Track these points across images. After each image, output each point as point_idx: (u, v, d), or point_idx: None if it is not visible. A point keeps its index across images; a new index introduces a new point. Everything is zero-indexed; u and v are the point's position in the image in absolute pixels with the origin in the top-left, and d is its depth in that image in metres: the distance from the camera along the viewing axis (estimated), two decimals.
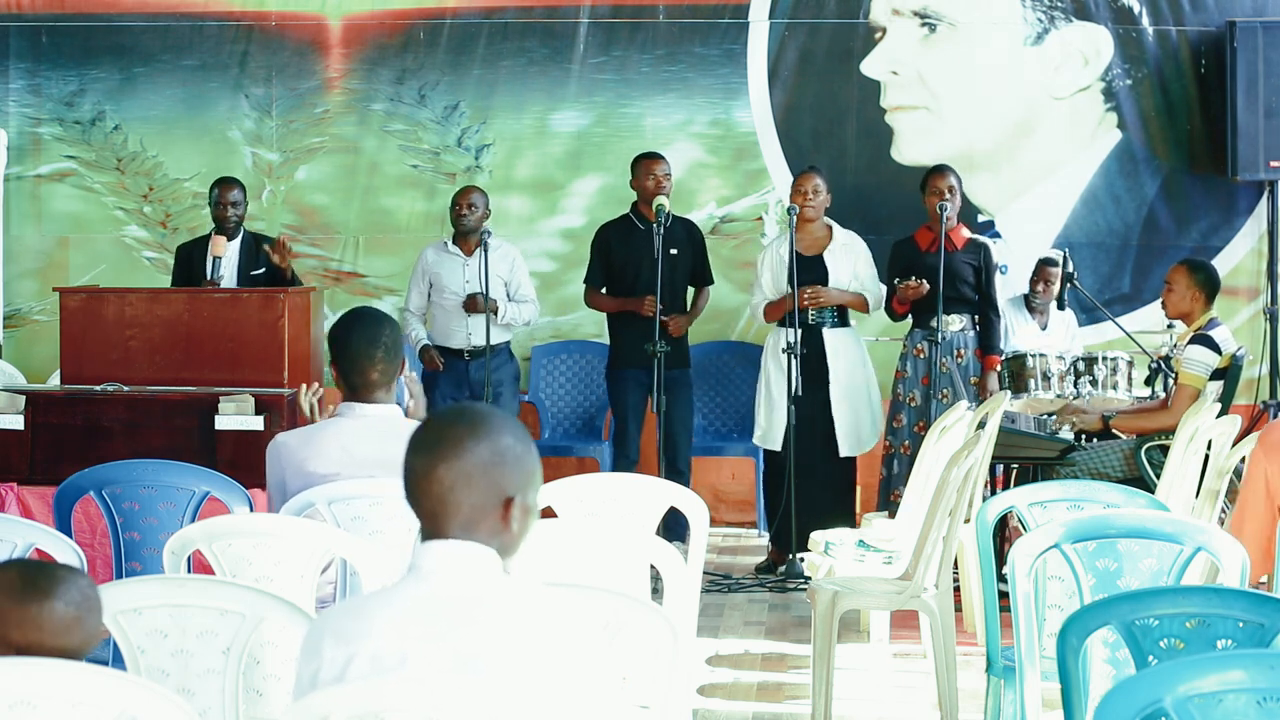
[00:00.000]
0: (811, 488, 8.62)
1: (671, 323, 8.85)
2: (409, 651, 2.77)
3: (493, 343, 8.98)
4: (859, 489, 9.42)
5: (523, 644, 2.78)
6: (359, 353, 4.85)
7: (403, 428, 4.76)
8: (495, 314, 8.96)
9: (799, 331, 8.64)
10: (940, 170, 8.81)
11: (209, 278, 8.43)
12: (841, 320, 8.86)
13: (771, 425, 8.80)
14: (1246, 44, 9.66)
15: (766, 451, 8.94)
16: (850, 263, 8.86)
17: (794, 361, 8.59)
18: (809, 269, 8.75)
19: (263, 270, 8.63)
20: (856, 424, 8.79)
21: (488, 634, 2.78)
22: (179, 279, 8.81)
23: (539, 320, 9.48)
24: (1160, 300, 8.02)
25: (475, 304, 8.93)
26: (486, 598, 2.81)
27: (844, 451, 8.75)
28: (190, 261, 8.76)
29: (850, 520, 8.64)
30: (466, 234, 9.06)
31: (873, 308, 8.92)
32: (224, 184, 8.86)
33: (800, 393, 8.62)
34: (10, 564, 3.04)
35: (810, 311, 8.73)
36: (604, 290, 9.13)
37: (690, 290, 9.16)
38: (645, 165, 9.02)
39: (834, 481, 8.77)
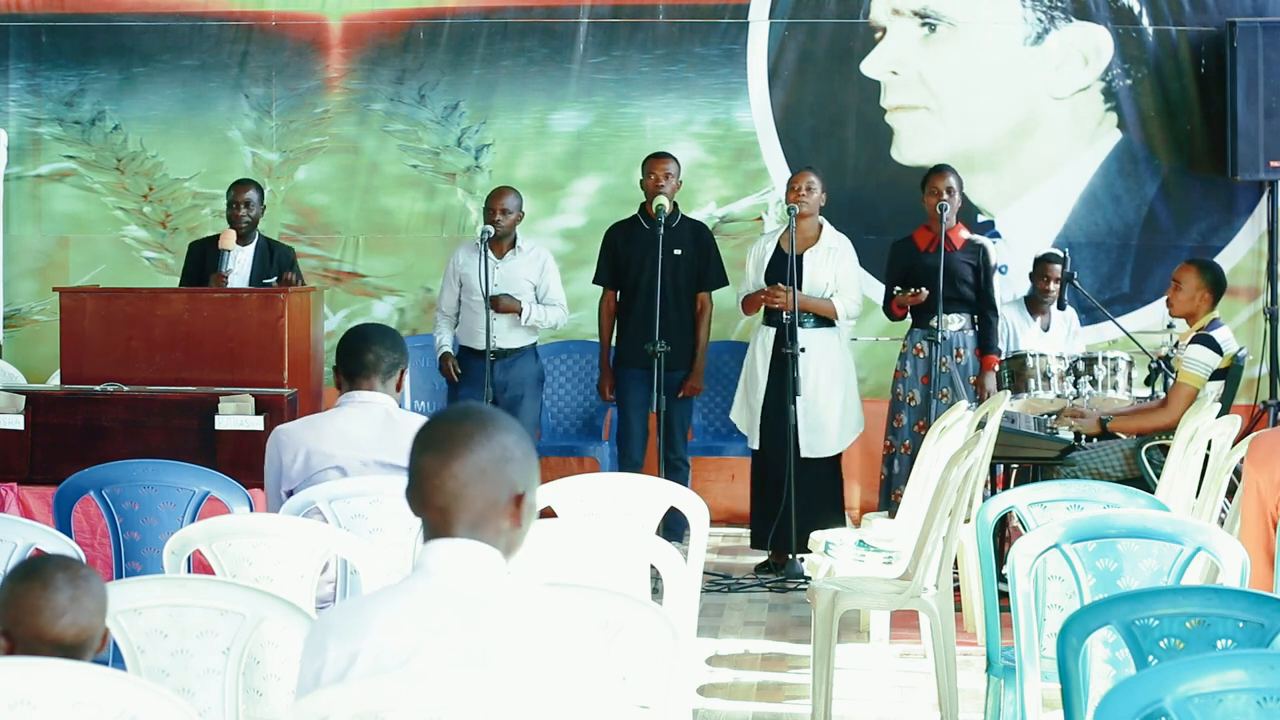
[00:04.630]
0: (788, 487, 8.60)
1: (687, 386, 9.04)
2: (413, 649, 2.78)
3: (517, 344, 8.99)
4: (857, 488, 9.43)
5: (525, 643, 2.78)
6: (353, 338, 5.17)
7: (400, 417, 5.01)
8: (518, 314, 8.94)
9: (772, 330, 8.69)
10: (940, 170, 8.80)
11: (219, 269, 8.47)
12: (822, 321, 8.81)
13: (749, 423, 8.83)
14: (1246, 44, 9.66)
15: (753, 450, 8.93)
16: (833, 266, 8.79)
17: (794, 363, 8.59)
18: (787, 268, 8.70)
19: (274, 279, 8.65)
20: (822, 426, 8.74)
21: (491, 633, 2.78)
22: (191, 276, 8.82)
23: (564, 322, 9.41)
24: (1165, 298, 8.02)
25: (499, 303, 8.91)
26: (491, 597, 2.82)
27: (803, 453, 8.67)
28: (203, 258, 8.78)
29: (838, 519, 8.62)
30: (500, 238, 8.98)
31: (845, 315, 8.82)
32: (239, 185, 8.93)
33: (764, 389, 8.66)
34: (38, 559, 3.05)
35: (784, 311, 8.70)
36: (614, 289, 9.14)
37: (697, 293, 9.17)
38: (648, 164, 9.04)
39: (813, 482, 8.71)
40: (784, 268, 8.68)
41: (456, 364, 9.10)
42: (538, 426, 9.28)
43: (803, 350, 8.63)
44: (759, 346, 8.81)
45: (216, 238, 8.76)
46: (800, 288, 8.68)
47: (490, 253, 8.97)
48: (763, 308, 8.80)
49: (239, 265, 8.70)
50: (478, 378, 9.02)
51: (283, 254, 8.92)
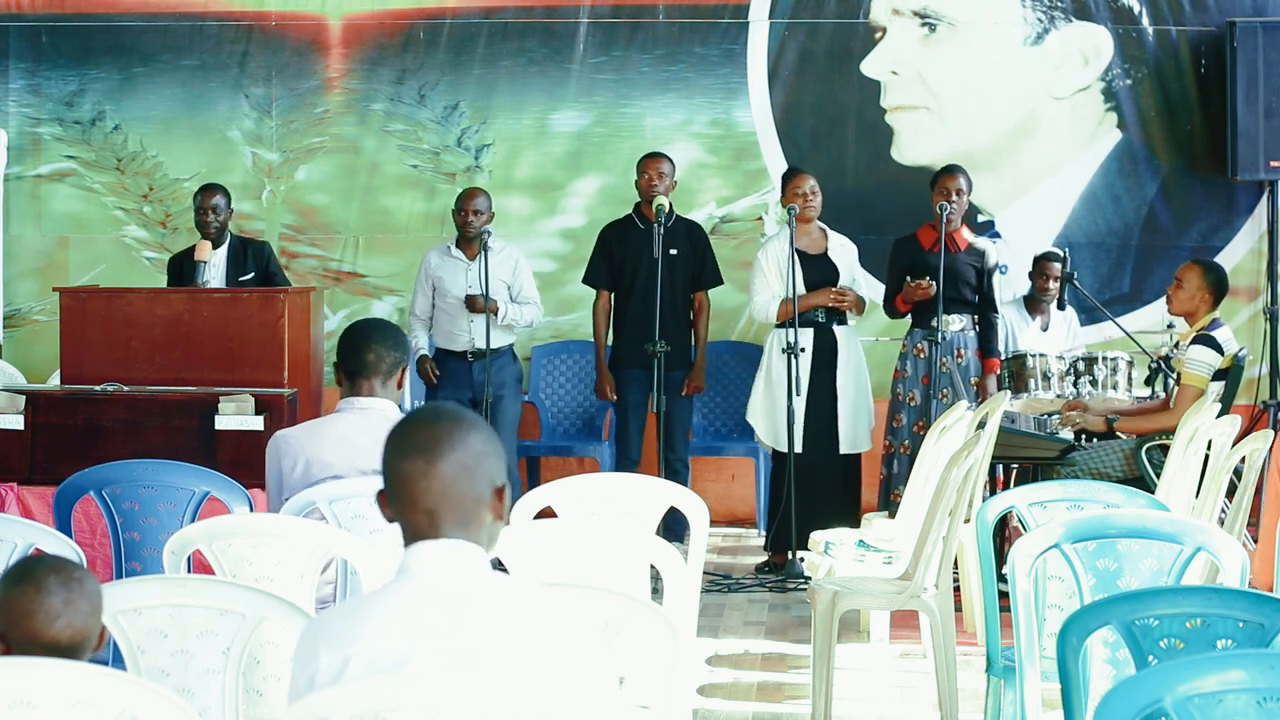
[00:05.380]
0: (822, 486, 8.62)
1: (689, 384, 9.09)
2: (407, 651, 2.78)
3: (495, 345, 8.98)
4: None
5: (522, 643, 2.78)
6: (354, 336, 5.07)
7: (396, 421, 4.85)
8: (495, 315, 8.95)
9: (809, 331, 8.69)
10: (951, 171, 8.80)
11: (194, 282, 8.44)
12: (842, 319, 8.90)
13: (784, 426, 8.80)
14: (1246, 44, 9.66)
15: (776, 452, 8.90)
16: (848, 263, 8.93)
17: (794, 361, 8.59)
18: (817, 268, 8.79)
19: (251, 275, 8.64)
20: (857, 422, 8.82)
21: (478, 631, 2.78)
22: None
23: (540, 320, 9.48)
24: (1166, 295, 8.02)
25: (475, 304, 8.94)
26: (475, 595, 2.82)
27: (844, 449, 8.77)
28: (181, 271, 8.78)
29: (855, 519, 8.63)
30: (471, 239, 9.04)
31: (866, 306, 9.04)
32: (206, 191, 8.89)
33: (806, 391, 8.66)
34: (31, 561, 3.05)
35: (820, 311, 8.76)
36: (609, 289, 9.13)
37: (693, 294, 9.18)
38: (643, 164, 9.05)
39: (843, 479, 8.78)
40: (818, 270, 8.77)
41: (434, 366, 9.13)
42: (517, 426, 9.26)
43: (803, 350, 8.65)
44: (782, 347, 8.76)
45: (192, 250, 8.76)
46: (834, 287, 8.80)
47: (462, 254, 9.03)
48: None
49: (213, 269, 8.68)
50: (457, 379, 9.05)
51: (257, 249, 8.91)
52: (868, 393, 8.90)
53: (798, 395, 8.63)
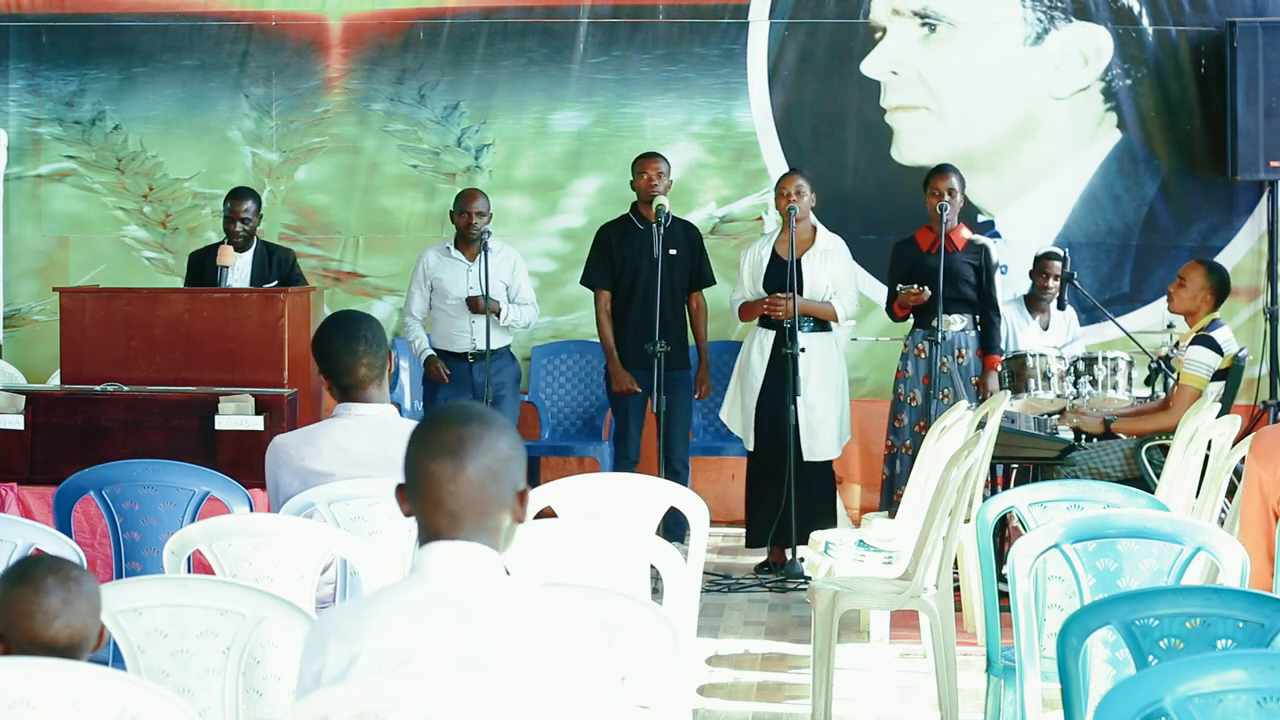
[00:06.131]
0: (781, 489, 8.59)
1: (700, 388, 9.17)
2: (413, 650, 2.78)
3: (494, 346, 8.97)
4: (857, 489, 9.44)
5: (524, 644, 2.78)
6: (341, 351, 4.86)
7: (401, 427, 4.78)
8: (498, 315, 8.94)
9: (770, 334, 8.68)
10: (942, 170, 8.79)
11: (216, 286, 8.44)
12: (819, 325, 8.82)
13: (740, 426, 8.83)
14: (1246, 44, 9.66)
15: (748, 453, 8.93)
16: (829, 269, 8.80)
17: (794, 364, 8.59)
18: (780, 274, 8.71)
19: (275, 283, 8.63)
20: (820, 429, 8.75)
21: (487, 635, 2.78)
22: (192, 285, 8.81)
23: (539, 320, 9.48)
24: (1167, 293, 8.02)
25: (477, 305, 8.93)
26: (486, 599, 2.82)
27: (806, 456, 8.70)
28: (203, 269, 8.75)
29: (829, 523, 8.60)
30: (472, 241, 9.02)
31: (844, 317, 8.85)
32: (237, 197, 8.85)
33: (760, 392, 8.67)
34: (29, 562, 3.04)
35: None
36: (608, 289, 9.09)
37: (689, 294, 9.18)
38: (640, 164, 9.03)
39: (808, 484, 8.71)
40: (782, 273, 8.68)
41: (443, 364, 9.09)
42: (516, 426, 9.25)
43: (803, 350, 8.64)
44: (755, 348, 8.81)
45: (215, 248, 8.75)
46: (800, 292, 8.69)
47: (462, 255, 9.02)
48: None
49: (238, 272, 8.68)
50: (457, 381, 9.04)
51: (282, 257, 8.91)
52: (838, 401, 8.78)
53: (798, 397, 8.62)
